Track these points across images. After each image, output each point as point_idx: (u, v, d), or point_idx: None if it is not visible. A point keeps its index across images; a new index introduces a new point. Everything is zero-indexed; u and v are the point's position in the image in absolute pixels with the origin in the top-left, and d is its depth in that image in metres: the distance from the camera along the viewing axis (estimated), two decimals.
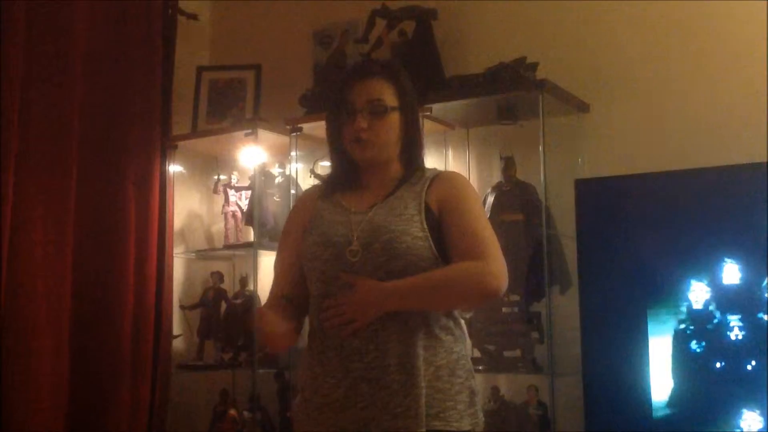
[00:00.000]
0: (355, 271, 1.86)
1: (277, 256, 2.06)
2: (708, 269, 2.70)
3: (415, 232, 1.87)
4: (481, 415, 1.94)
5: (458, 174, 2.08)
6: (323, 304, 1.89)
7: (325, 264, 1.90)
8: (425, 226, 1.88)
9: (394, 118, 1.96)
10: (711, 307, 2.69)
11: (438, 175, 2.00)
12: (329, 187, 2.04)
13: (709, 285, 2.70)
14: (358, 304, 1.84)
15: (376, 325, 1.85)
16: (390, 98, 1.96)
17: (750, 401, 2.59)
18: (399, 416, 1.80)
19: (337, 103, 1.99)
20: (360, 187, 2.01)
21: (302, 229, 1.99)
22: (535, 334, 3.01)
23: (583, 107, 3.18)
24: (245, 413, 3.46)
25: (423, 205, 1.91)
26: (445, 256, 1.90)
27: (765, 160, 2.67)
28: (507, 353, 3.07)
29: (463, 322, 2.01)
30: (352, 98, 1.95)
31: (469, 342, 3.14)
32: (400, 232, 1.86)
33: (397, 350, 1.83)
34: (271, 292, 2.02)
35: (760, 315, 2.61)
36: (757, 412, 2.58)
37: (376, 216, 1.90)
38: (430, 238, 1.87)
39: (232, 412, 3.49)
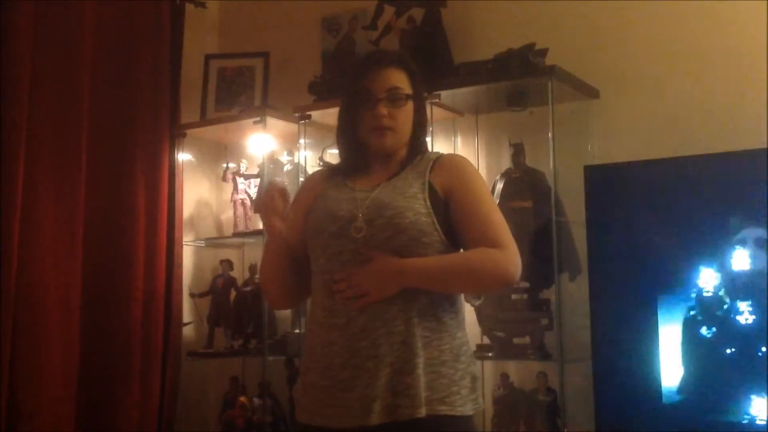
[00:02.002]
0: (360, 242, 1.87)
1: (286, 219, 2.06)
2: (718, 255, 2.69)
3: (418, 209, 1.88)
4: (481, 399, 1.95)
5: (462, 157, 2.08)
6: (336, 276, 1.88)
7: (330, 238, 1.90)
8: (428, 204, 1.89)
9: (410, 107, 1.99)
10: (721, 293, 2.68)
11: (441, 157, 2.01)
12: (338, 171, 2.06)
13: (718, 271, 2.69)
14: (376, 278, 1.84)
15: (383, 304, 1.85)
16: (406, 86, 1.98)
17: (760, 387, 2.58)
18: (399, 394, 1.81)
19: (354, 91, 1.99)
20: (366, 170, 2.02)
21: (306, 207, 2.01)
22: (544, 321, 3.01)
23: (592, 93, 3.16)
24: (255, 400, 3.48)
25: (427, 184, 1.92)
26: (450, 237, 1.91)
27: None
28: (516, 340, 3.07)
29: (463, 308, 2.01)
30: (371, 86, 1.96)
31: (478, 329, 3.16)
32: (403, 208, 1.87)
33: (402, 329, 1.84)
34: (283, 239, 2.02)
35: None
36: (767, 397, 2.58)
37: (380, 194, 1.92)
38: (433, 215, 1.88)
39: (243, 398, 3.51)
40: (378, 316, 1.84)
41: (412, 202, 1.88)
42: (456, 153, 2.09)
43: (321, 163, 3.53)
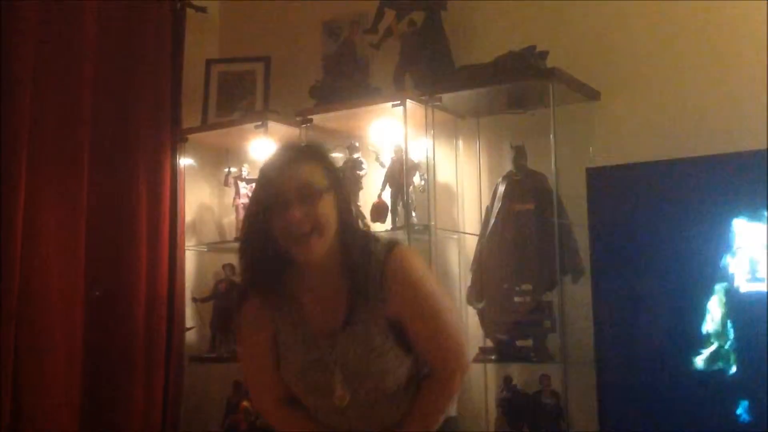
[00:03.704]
0: (344, 412, 1.90)
1: (254, 370, 2.01)
2: (720, 258, 2.69)
3: (394, 367, 1.87)
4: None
5: (409, 260, 1.87)
6: None
7: (314, 404, 1.94)
8: (397, 349, 1.87)
9: (329, 200, 1.80)
10: (722, 297, 2.68)
11: (389, 267, 1.82)
12: (272, 293, 1.87)
13: (720, 274, 2.68)
14: None
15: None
16: (319, 179, 1.79)
17: (760, 390, 2.58)
18: None
19: (263, 199, 1.80)
20: (307, 292, 1.88)
21: (269, 342, 1.93)
22: (547, 324, 3.00)
23: (593, 95, 3.16)
24: None
25: (388, 326, 1.84)
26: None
27: None
28: (519, 343, 3.06)
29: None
30: (281, 188, 1.77)
31: (481, 332, 3.16)
32: (382, 372, 1.86)
33: None
34: (276, 389, 1.97)
35: None
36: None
37: (348, 354, 1.84)
38: (404, 355, 1.89)
39: (245, 403, 3.50)
40: None
41: (386, 361, 1.85)
42: (397, 249, 1.86)
43: None
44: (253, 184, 3.57)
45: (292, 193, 1.76)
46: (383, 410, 1.93)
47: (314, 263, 1.82)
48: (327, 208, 1.78)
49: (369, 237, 1.89)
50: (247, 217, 1.90)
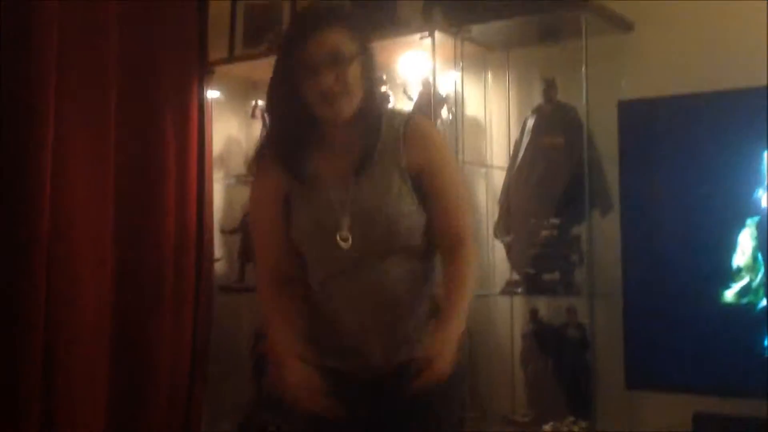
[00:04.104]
0: (349, 255, 1.84)
1: (266, 235, 1.98)
2: (747, 191, 2.66)
3: (409, 211, 1.84)
4: None
5: (428, 127, 1.97)
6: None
7: (319, 251, 1.89)
8: (414, 197, 1.85)
9: (358, 66, 1.83)
10: (753, 230, 2.67)
11: (407, 128, 1.88)
12: (291, 156, 1.89)
13: (751, 207, 2.66)
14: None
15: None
16: (349, 45, 1.82)
17: None
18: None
19: (292, 63, 1.82)
20: (328, 150, 1.90)
21: (281, 207, 1.92)
22: (574, 257, 3.01)
23: (627, 26, 3.10)
24: None
25: (406, 174, 1.85)
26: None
27: None
28: (546, 276, 3.07)
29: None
30: (314, 51, 1.80)
31: (507, 265, 3.18)
32: (396, 215, 1.83)
33: None
34: (276, 270, 1.97)
35: None
36: None
37: (362, 195, 1.84)
38: (419, 209, 1.86)
39: None
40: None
41: (401, 204, 1.84)
42: (422, 119, 1.98)
43: None
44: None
45: (323, 57, 1.79)
46: (389, 280, 1.87)
47: (339, 124, 1.86)
48: (355, 72, 1.82)
49: (390, 106, 1.99)
50: (273, 80, 1.90)
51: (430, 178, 1.87)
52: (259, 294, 2.04)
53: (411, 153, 1.86)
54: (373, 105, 1.89)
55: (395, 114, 1.96)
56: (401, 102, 3.41)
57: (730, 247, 2.70)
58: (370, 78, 1.88)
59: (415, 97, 3.34)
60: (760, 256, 2.67)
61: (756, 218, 2.67)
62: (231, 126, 3.99)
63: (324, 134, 1.90)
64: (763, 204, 2.66)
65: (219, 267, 3.82)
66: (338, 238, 1.83)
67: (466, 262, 1.88)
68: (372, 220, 1.83)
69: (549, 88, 3.12)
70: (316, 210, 1.87)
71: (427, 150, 1.88)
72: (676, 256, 2.77)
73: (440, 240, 1.90)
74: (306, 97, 1.83)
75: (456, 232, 1.89)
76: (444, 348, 1.76)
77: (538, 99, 3.18)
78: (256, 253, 2.05)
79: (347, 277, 1.87)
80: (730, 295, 2.70)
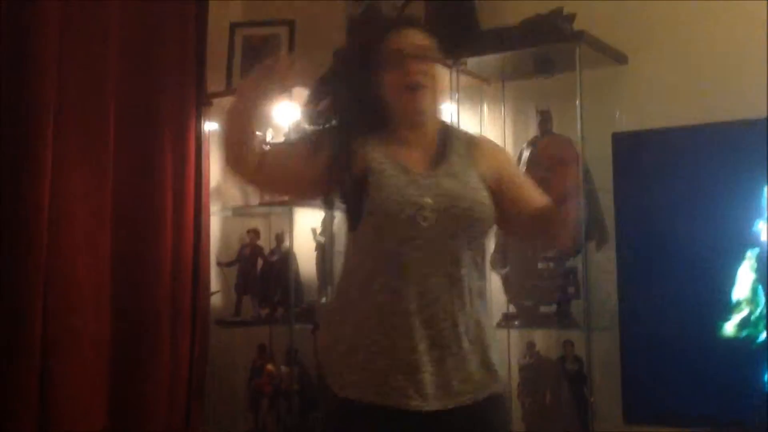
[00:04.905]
0: (426, 235, 1.82)
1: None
2: (746, 224, 2.65)
3: (484, 201, 1.88)
4: None
5: (489, 139, 2.10)
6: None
7: (398, 224, 1.83)
8: (488, 194, 1.90)
9: (440, 69, 1.94)
10: (753, 263, 2.65)
11: (475, 141, 1.99)
12: (374, 136, 1.91)
13: (750, 240, 2.64)
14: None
15: (450, 295, 1.86)
16: (434, 47, 1.92)
17: None
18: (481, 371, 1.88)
19: (378, 53, 1.88)
20: (398, 144, 1.91)
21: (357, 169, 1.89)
22: (571, 290, 2.99)
23: (621, 59, 3.10)
24: (283, 368, 3.51)
25: (482, 176, 1.91)
26: None
27: None
28: (543, 309, 3.05)
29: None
30: (399, 46, 1.86)
31: (504, 297, 3.16)
32: (474, 201, 1.86)
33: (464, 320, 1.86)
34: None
35: None
36: None
37: (444, 182, 1.87)
38: (492, 203, 1.90)
39: (270, 367, 3.54)
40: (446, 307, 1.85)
41: (478, 194, 1.88)
42: (481, 135, 2.14)
43: None
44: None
45: (412, 48, 1.84)
46: (458, 269, 1.85)
47: (419, 120, 1.90)
48: (441, 73, 1.92)
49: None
50: (357, 73, 1.92)
51: (507, 176, 1.95)
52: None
53: (484, 162, 1.93)
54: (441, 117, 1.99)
55: (467, 133, 2.06)
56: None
57: (729, 280, 2.68)
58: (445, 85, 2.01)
59: None
60: (760, 288, 2.64)
61: (756, 250, 2.65)
62: None
63: (398, 130, 1.91)
64: (763, 237, 2.64)
65: (215, 301, 3.79)
66: (418, 215, 1.81)
67: None
68: (454, 199, 1.84)
69: (544, 120, 3.11)
70: (399, 187, 1.84)
71: (497, 157, 1.99)
72: (674, 289, 2.74)
73: (539, 202, 1.92)
74: (388, 90, 1.86)
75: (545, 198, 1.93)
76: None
77: (533, 131, 3.18)
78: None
79: (422, 253, 1.84)
80: (729, 328, 2.68)
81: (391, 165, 1.87)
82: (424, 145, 1.92)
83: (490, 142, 2.06)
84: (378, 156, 1.88)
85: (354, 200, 1.87)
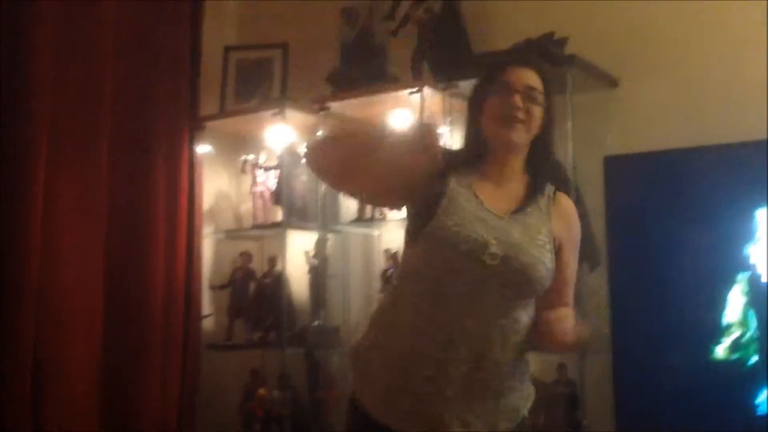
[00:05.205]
0: (489, 274, 1.81)
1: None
2: (737, 247, 2.65)
3: (547, 263, 1.86)
4: None
5: (571, 202, 2.04)
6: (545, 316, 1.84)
7: (452, 255, 1.82)
8: (552, 256, 1.88)
9: (541, 113, 1.92)
10: (744, 286, 2.65)
11: (560, 202, 1.98)
12: (457, 163, 1.94)
13: (742, 263, 2.65)
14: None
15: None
16: (542, 92, 1.92)
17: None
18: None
19: (491, 83, 1.93)
20: (485, 177, 1.93)
21: (429, 190, 1.89)
22: None
23: (612, 82, 3.12)
24: (275, 392, 3.48)
25: (551, 235, 1.90)
26: None
27: None
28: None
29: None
30: (510, 79, 1.91)
31: None
32: (537, 259, 1.84)
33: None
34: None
35: None
36: None
37: (514, 230, 1.86)
38: (554, 268, 1.88)
39: (262, 391, 3.52)
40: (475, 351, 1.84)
41: (543, 253, 1.86)
42: (565, 196, 2.03)
43: None
44: (271, 171, 3.65)
45: (521, 86, 1.89)
46: (499, 318, 1.83)
47: (508, 153, 1.92)
48: (539, 115, 1.91)
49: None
50: (470, 98, 2.00)
51: (563, 250, 1.93)
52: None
53: (557, 221, 1.93)
54: (538, 154, 1.96)
55: (553, 189, 2.01)
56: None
57: (721, 303, 2.68)
58: (545, 132, 1.95)
59: None
60: (750, 311, 2.64)
61: (746, 274, 2.66)
62: (221, 181, 4.00)
63: (489, 161, 1.95)
64: (753, 260, 2.65)
65: (207, 324, 3.78)
66: (486, 253, 1.81)
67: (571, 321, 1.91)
68: (517, 251, 1.83)
69: None
70: (470, 220, 1.85)
71: (571, 226, 1.98)
72: (665, 312, 2.74)
73: (556, 302, 1.90)
74: (487, 117, 1.91)
75: (566, 299, 1.94)
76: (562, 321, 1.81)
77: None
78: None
79: (467, 290, 1.83)
80: (720, 350, 2.67)
81: (468, 196, 1.89)
82: (509, 187, 1.93)
83: (570, 205, 2.02)
84: (459, 183, 1.91)
85: (419, 219, 1.88)
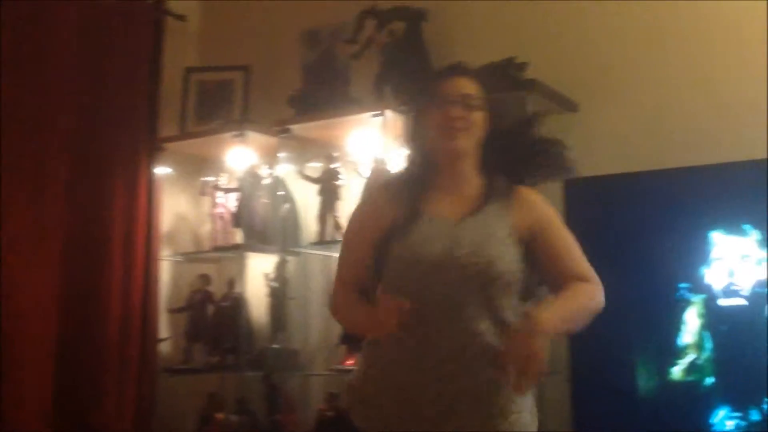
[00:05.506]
0: (451, 286, 1.85)
1: (353, 245, 2.04)
2: (697, 269, 2.68)
3: (508, 257, 1.88)
4: None
5: (536, 193, 2.06)
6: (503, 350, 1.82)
7: (420, 275, 1.87)
8: (518, 248, 1.90)
9: (483, 116, 1.97)
10: (699, 308, 2.68)
11: (517, 194, 1.99)
12: (408, 185, 2.00)
13: (697, 286, 2.68)
14: (540, 344, 1.79)
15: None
16: (478, 94, 1.98)
17: (735, 400, 2.61)
18: None
19: (427, 97, 1.99)
20: (438, 190, 1.98)
21: (383, 225, 1.95)
22: None
23: (571, 106, 3.17)
24: (233, 417, 3.43)
25: (514, 229, 1.92)
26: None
27: (758, 157, 2.67)
28: None
29: None
30: (445, 91, 1.96)
31: None
32: (496, 256, 1.86)
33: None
34: (346, 280, 2.04)
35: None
36: (741, 412, 2.59)
37: (470, 233, 1.89)
38: (520, 260, 1.90)
39: (220, 415, 3.47)
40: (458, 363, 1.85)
41: (503, 249, 1.88)
42: (528, 189, 2.05)
43: (302, 177, 3.52)
44: (231, 194, 3.63)
45: (457, 95, 1.95)
46: (475, 324, 1.85)
47: (456, 162, 1.97)
48: (480, 120, 1.96)
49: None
50: (410, 115, 2.06)
51: (542, 233, 1.95)
52: (333, 306, 2.11)
53: (521, 214, 1.95)
54: (489, 156, 2.00)
55: (511, 185, 2.04)
56: (353, 178, 3.42)
57: (677, 325, 2.70)
58: (492, 134, 1.99)
59: (367, 175, 3.34)
60: (705, 334, 2.67)
61: (701, 296, 2.69)
62: (180, 203, 3.96)
63: (440, 173, 1.99)
64: (708, 281, 2.68)
65: (164, 348, 3.73)
66: (444, 267, 1.85)
67: (590, 296, 1.94)
68: (475, 254, 1.86)
69: None
70: (426, 237, 1.89)
71: (536, 210, 1.99)
72: (623, 334, 2.76)
73: (564, 279, 1.94)
74: (430, 130, 1.96)
75: (582, 272, 1.96)
76: (545, 323, 1.77)
77: None
78: (338, 266, 2.09)
79: (440, 304, 1.86)
80: (675, 372, 2.70)
81: (420, 212, 1.93)
82: (464, 192, 1.97)
83: (531, 194, 2.02)
84: (413, 202, 1.95)
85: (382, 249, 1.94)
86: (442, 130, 1.94)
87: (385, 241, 1.93)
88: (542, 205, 2.01)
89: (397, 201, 1.96)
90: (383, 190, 2.04)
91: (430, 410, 1.85)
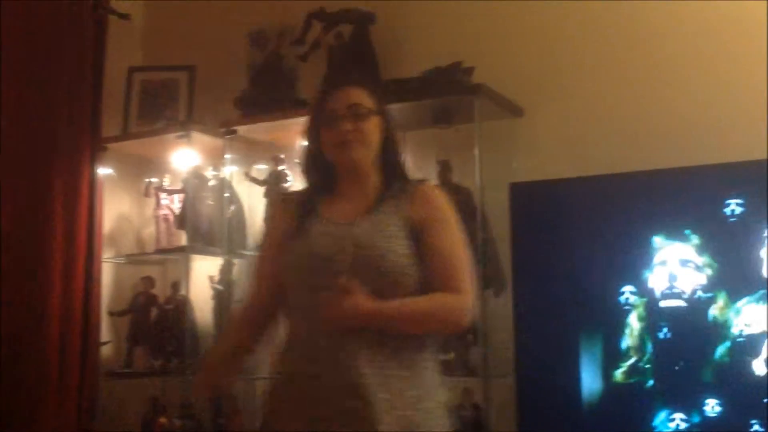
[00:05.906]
0: (340, 285, 1.85)
1: (259, 262, 2.12)
2: (640, 274, 2.74)
3: (398, 250, 1.89)
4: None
5: (437, 189, 2.08)
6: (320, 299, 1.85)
7: (310, 276, 1.90)
8: (408, 243, 1.90)
9: (376, 122, 1.98)
10: (641, 312, 2.73)
11: (418, 189, 2.00)
12: (307, 196, 2.05)
13: (639, 290, 2.73)
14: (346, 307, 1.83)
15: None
16: (368, 103, 1.99)
17: (676, 402, 2.65)
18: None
19: (317, 114, 2.01)
20: (339, 197, 2.01)
21: (283, 239, 2.00)
22: (469, 337, 3.00)
23: (517, 111, 3.20)
24: (176, 421, 3.40)
25: (407, 220, 1.93)
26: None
27: (700, 163, 2.71)
28: (441, 356, 3.04)
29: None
30: (333, 106, 1.98)
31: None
32: (385, 249, 1.88)
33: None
34: (249, 299, 2.11)
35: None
36: (682, 413, 2.64)
37: (359, 230, 1.90)
38: (413, 258, 1.90)
39: (163, 420, 3.43)
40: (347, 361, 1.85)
41: (393, 242, 1.89)
42: (432, 185, 2.11)
43: (248, 179, 3.49)
44: (176, 195, 3.59)
45: (344, 108, 1.96)
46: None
47: (355, 172, 1.99)
48: (373, 127, 1.98)
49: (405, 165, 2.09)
50: (305, 131, 2.07)
51: (427, 231, 1.93)
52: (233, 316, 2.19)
53: (415, 208, 1.95)
54: (388, 158, 2.02)
55: (413, 181, 2.07)
56: (299, 180, 3.40)
57: (620, 328, 2.75)
58: (388, 136, 2.02)
59: None
60: (647, 337, 2.72)
61: (643, 300, 2.74)
62: (123, 204, 3.89)
63: (340, 182, 2.02)
64: (651, 285, 2.73)
65: (106, 351, 3.66)
66: (332, 265, 1.86)
67: (446, 308, 1.91)
68: (363, 249, 1.87)
69: (444, 169, 3.16)
70: (314, 238, 1.93)
71: (430, 206, 1.98)
72: (568, 337, 2.80)
73: (431, 283, 1.92)
74: (325, 146, 1.98)
75: (450, 281, 1.91)
76: (361, 306, 1.82)
77: (433, 180, 3.20)
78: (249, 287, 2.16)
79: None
80: (619, 374, 2.74)
81: (313, 219, 1.96)
82: (363, 196, 1.98)
83: (430, 190, 2.04)
84: (304, 213, 1.99)
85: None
86: (334, 145, 1.97)
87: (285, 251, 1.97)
88: (437, 203, 2.00)
89: (296, 210, 2.01)
90: (283, 205, 2.12)
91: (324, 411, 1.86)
